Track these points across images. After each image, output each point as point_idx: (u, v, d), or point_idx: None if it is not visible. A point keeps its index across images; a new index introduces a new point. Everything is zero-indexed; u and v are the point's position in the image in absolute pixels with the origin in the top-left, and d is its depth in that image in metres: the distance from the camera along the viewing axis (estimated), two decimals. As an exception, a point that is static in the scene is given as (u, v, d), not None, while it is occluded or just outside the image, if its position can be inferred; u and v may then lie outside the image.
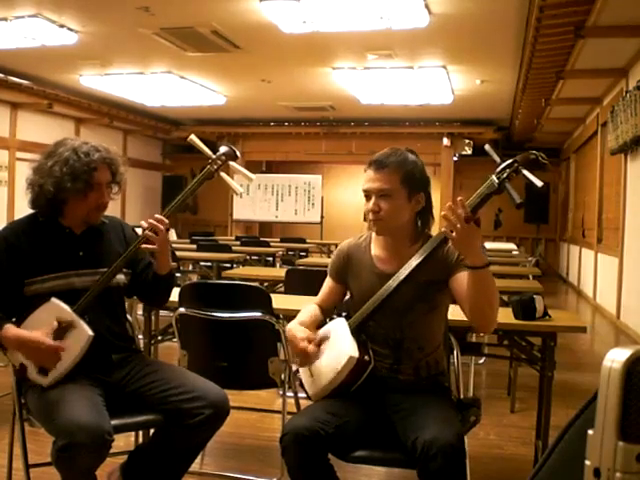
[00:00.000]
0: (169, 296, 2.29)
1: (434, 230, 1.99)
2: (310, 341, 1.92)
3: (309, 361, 1.95)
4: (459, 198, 1.69)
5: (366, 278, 2.01)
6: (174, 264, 2.19)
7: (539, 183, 1.73)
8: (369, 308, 1.91)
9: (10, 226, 2.12)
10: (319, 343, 1.94)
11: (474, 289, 1.78)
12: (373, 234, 2.06)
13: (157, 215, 2.04)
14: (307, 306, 2.11)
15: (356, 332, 1.91)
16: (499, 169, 1.76)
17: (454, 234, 1.68)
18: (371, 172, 1.93)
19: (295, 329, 1.97)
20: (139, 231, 2.14)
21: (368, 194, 1.95)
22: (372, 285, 1.95)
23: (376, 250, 2.04)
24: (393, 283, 1.87)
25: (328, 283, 2.13)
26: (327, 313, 2.10)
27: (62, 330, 1.91)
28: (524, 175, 1.74)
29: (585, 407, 0.83)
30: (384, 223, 1.94)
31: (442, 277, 1.92)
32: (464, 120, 11.50)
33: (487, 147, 1.85)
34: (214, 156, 2.10)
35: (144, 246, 2.04)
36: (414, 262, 1.85)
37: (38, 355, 1.90)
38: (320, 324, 2.04)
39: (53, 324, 1.91)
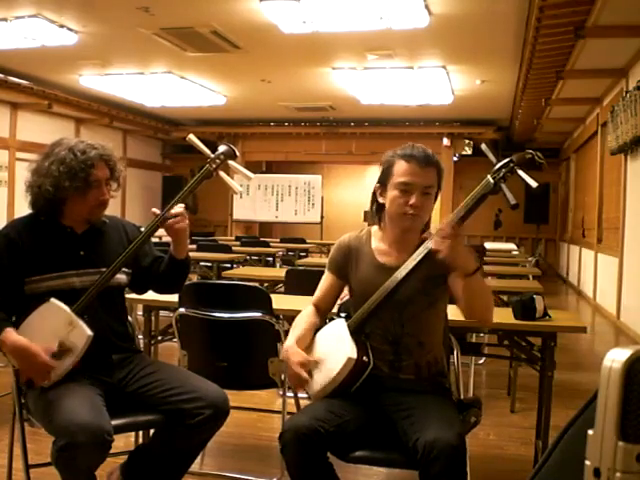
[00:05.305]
0: (185, 280, 2.29)
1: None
2: (304, 365, 1.90)
3: (301, 385, 1.93)
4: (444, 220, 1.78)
5: (366, 271, 2.00)
6: (192, 246, 2.19)
7: (534, 184, 1.74)
8: (370, 307, 1.91)
9: (12, 224, 2.11)
10: (314, 365, 1.93)
11: (468, 293, 1.85)
12: (372, 228, 2.06)
13: (174, 210, 2.03)
14: (302, 312, 2.08)
15: (356, 332, 1.92)
16: (495, 169, 1.79)
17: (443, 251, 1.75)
18: (415, 166, 1.88)
19: (291, 352, 1.93)
20: (141, 228, 2.15)
21: (409, 188, 1.89)
22: (372, 278, 1.95)
23: (376, 243, 2.04)
24: (391, 284, 1.87)
25: (327, 279, 2.10)
26: (325, 313, 2.09)
27: (60, 353, 1.91)
28: (519, 175, 1.76)
29: (585, 407, 0.83)
30: (420, 220, 1.94)
31: (442, 272, 1.93)
32: (464, 120, 11.50)
33: (483, 147, 1.86)
34: (213, 155, 2.10)
35: (177, 226, 2.03)
36: (416, 258, 1.86)
37: (30, 367, 1.90)
38: (318, 327, 2.03)
39: (54, 346, 1.90)
